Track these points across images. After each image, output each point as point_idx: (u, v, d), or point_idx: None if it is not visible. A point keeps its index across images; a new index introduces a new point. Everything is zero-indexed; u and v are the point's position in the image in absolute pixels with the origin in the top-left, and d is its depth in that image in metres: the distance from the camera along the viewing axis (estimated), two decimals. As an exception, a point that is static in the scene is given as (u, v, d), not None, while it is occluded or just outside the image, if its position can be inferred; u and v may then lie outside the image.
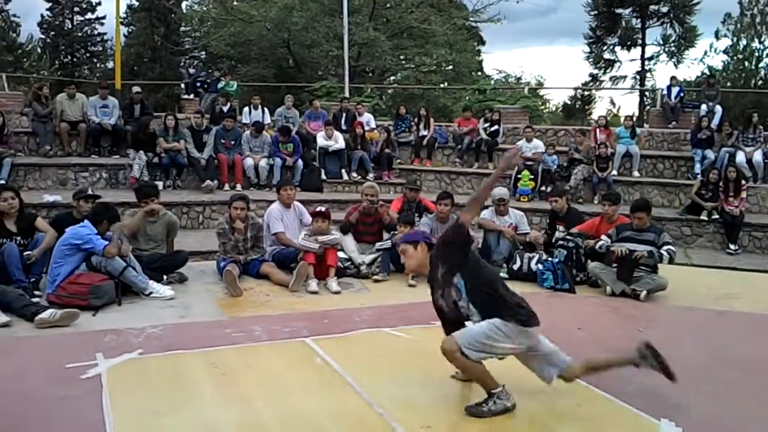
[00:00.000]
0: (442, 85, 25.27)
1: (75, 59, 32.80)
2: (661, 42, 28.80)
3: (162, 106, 20.08)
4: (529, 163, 11.73)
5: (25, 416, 3.42)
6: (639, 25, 28.70)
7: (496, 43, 60.31)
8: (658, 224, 6.55)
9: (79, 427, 3.32)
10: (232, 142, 11.28)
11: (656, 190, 11.71)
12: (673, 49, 28.54)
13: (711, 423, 3.55)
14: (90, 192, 6.58)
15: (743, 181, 10.59)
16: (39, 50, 31.35)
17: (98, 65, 33.37)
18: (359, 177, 11.79)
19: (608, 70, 30.34)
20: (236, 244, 6.63)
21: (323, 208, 6.98)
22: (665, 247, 6.31)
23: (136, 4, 29.14)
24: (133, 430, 3.30)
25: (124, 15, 27.74)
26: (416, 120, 13.52)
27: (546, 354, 3.65)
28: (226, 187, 10.88)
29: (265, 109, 13.24)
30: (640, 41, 28.75)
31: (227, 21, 24.50)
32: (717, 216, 10.38)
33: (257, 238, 6.82)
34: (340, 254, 6.89)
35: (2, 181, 9.23)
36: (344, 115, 13.23)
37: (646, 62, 28.94)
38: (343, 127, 12.81)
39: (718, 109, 13.72)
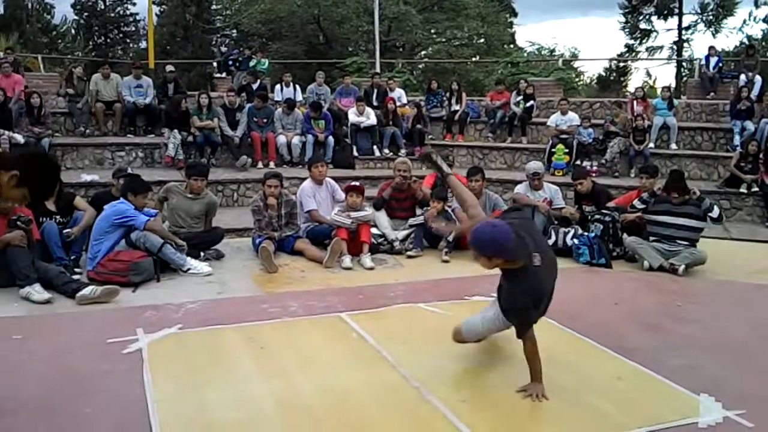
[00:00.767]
0: (474, 59, 24.96)
1: (108, 40, 33.21)
2: (699, 11, 28.07)
3: (195, 85, 20.21)
4: (564, 136, 11.57)
5: (68, 391, 3.49)
6: (676, -7, 28.01)
7: (528, 14, 59.07)
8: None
9: (121, 400, 3.39)
10: (265, 120, 11.31)
11: (694, 163, 11.45)
12: (711, 17, 27.78)
13: (751, 398, 3.48)
14: (129, 171, 6.68)
15: (784, 153, 10.29)
16: (73, 31, 31.80)
17: (131, 45, 33.76)
18: (391, 153, 11.76)
19: (644, 41, 29.72)
20: (270, 221, 6.68)
21: (357, 183, 7.00)
22: (713, 209, 6.39)
23: (168, -17, 29.35)
24: (175, 403, 3.36)
25: (156, -6, 27.92)
26: (448, 95, 13.39)
27: None
28: (260, 164, 10.93)
29: (297, 87, 13.24)
30: (677, 10, 28.01)
31: (258, -2, 24.51)
32: (756, 189, 10.12)
33: (291, 215, 6.86)
34: (374, 230, 6.90)
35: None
36: (375, 91, 13.16)
37: (684, 32, 28.20)
38: (375, 103, 12.74)
39: (758, 79, 13.25)
